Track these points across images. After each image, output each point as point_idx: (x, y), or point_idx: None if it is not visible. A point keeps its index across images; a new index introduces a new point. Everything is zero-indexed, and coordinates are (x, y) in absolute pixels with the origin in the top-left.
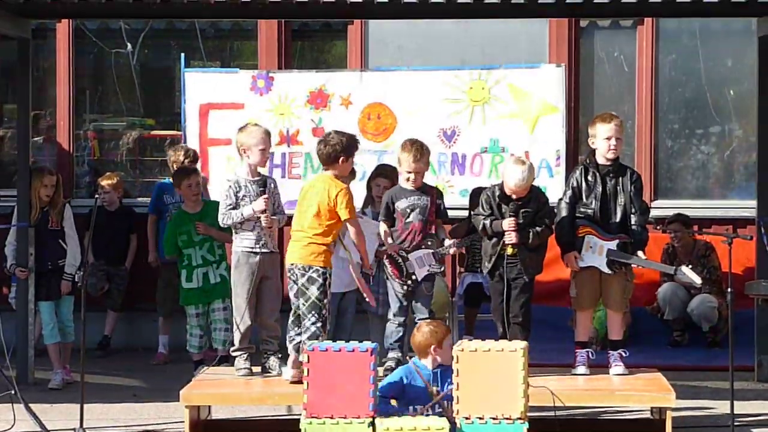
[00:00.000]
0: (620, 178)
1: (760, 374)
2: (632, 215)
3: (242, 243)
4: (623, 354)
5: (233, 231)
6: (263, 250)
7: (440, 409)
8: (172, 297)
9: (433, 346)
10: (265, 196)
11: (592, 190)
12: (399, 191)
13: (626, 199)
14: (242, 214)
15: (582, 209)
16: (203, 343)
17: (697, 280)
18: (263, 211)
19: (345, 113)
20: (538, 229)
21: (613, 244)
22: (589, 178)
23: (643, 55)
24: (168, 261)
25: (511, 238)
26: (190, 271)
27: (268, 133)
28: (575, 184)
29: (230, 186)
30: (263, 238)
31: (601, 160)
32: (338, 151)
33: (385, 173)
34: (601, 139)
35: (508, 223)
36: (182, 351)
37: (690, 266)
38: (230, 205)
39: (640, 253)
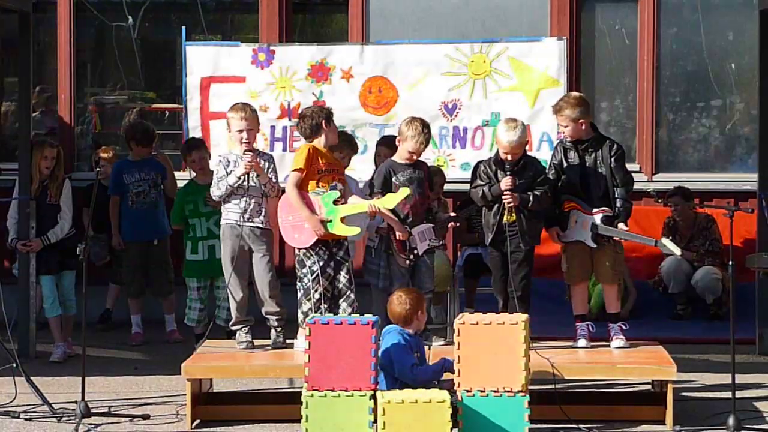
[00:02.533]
0: (599, 152)
1: (761, 347)
2: (614, 188)
3: (227, 216)
4: (623, 327)
5: (222, 204)
6: (247, 224)
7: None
8: (140, 277)
9: (419, 312)
10: (249, 157)
11: (573, 166)
12: (395, 165)
13: (607, 172)
14: (228, 182)
15: (565, 185)
16: (202, 317)
17: (677, 251)
18: (247, 176)
19: (346, 87)
20: (538, 192)
21: (597, 218)
22: (570, 154)
23: (644, 28)
24: (133, 241)
25: (509, 199)
26: (195, 243)
27: (250, 115)
28: (555, 162)
29: (220, 161)
30: (249, 212)
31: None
32: (318, 120)
33: (387, 143)
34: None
35: (505, 183)
36: (181, 324)
37: (690, 240)
38: (220, 178)
39: (621, 225)
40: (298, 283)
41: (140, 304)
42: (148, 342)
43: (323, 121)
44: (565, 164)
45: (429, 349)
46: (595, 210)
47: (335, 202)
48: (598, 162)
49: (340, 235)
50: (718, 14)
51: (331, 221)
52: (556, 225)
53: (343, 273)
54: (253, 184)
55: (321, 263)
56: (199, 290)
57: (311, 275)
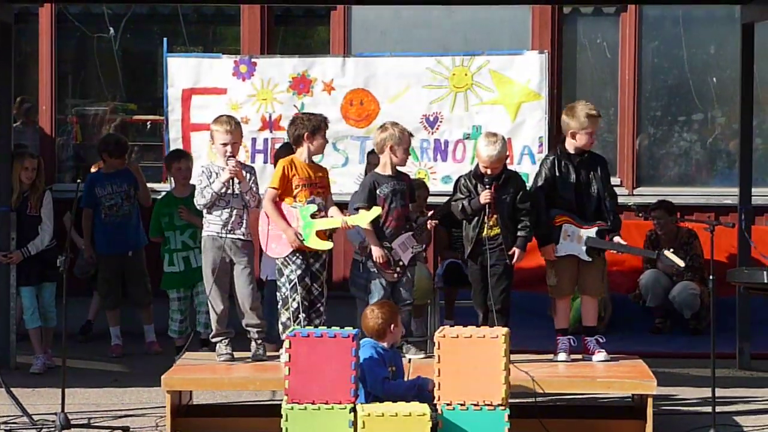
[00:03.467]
0: (591, 166)
1: (741, 361)
2: (606, 201)
3: (209, 227)
4: (600, 340)
5: (204, 214)
6: (229, 235)
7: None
8: (115, 288)
9: (392, 326)
10: (233, 162)
11: (566, 180)
12: (379, 177)
13: (599, 186)
14: (213, 189)
15: (558, 199)
16: (184, 327)
17: (680, 263)
18: (231, 182)
19: (327, 99)
20: (523, 233)
21: (592, 232)
22: (563, 168)
23: (626, 42)
24: (106, 254)
25: (488, 201)
26: (171, 255)
27: (233, 128)
28: (548, 175)
29: (203, 171)
30: (230, 224)
31: (571, 149)
32: (301, 132)
33: (370, 159)
34: (586, 134)
35: (484, 196)
36: (162, 335)
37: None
38: (204, 188)
39: (617, 238)
40: (278, 294)
41: (118, 316)
42: (128, 354)
43: (306, 134)
44: (558, 178)
45: (409, 362)
46: (589, 224)
47: (312, 216)
48: (591, 176)
49: (314, 248)
50: (699, 28)
51: (307, 234)
52: (550, 242)
53: (316, 285)
54: (236, 192)
55: (299, 272)
56: (180, 301)
57: (289, 284)
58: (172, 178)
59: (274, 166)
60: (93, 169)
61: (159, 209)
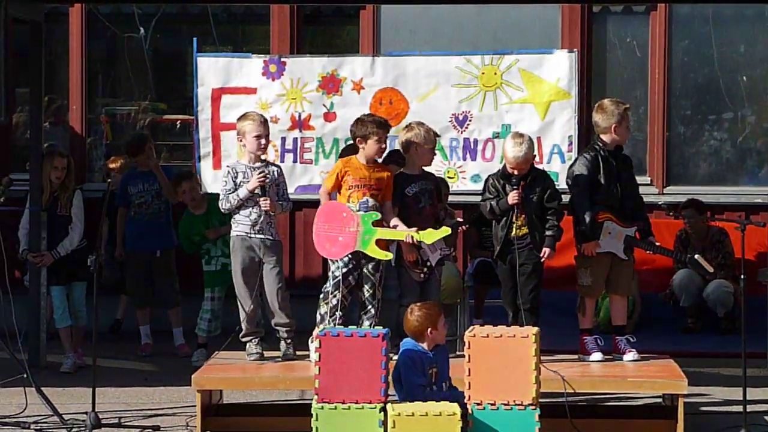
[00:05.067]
0: (625, 164)
1: None
2: (638, 201)
3: (237, 228)
4: (630, 339)
5: (232, 216)
6: (258, 236)
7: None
8: (144, 287)
9: (429, 329)
10: (260, 174)
11: (610, 177)
12: (406, 177)
13: (633, 186)
14: (239, 196)
15: (601, 197)
16: (213, 327)
17: (710, 268)
18: (260, 189)
19: (357, 98)
20: (551, 232)
21: (631, 231)
22: (604, 164)
23: (655, 40)
24: (136, 251)
25: (516, 202)
26: (209, 258)
27: (263, 121)
28: (591, 170)
29: (228, 172)
30: (259, 224)
31: (610, 146)
32: (359, 133)
33: (395, 158)
34: (625, 127)
35: (512, 197)
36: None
37: (704, 252)
38: (229, 190)
39: (651, 238)
40: (324, 286)
41: (147, 315)
42: (158, 353)
43: (358, 138)
44: (603, 173)
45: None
46: (629, 222)
47: (375, 224)
48: (625, 174)
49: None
50: (729, 26)
51: (366, 240)
52: (593, 238)
53: (367, 287)
54: (266, 192)
55: (344, 270)
56: (213, 300)
57: (332, 280)
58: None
59: None
60: (111, 166)
61: (186, 230)
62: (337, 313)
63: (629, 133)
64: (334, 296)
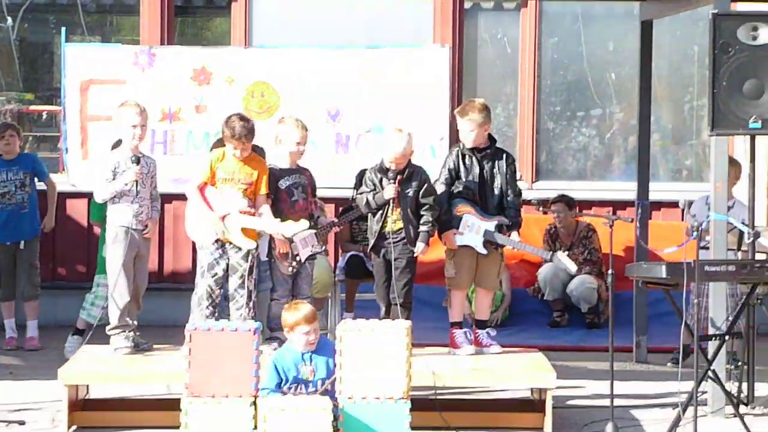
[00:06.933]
0: (496, 161)
1: (638, 355)
2: (508, 197)
3: (119, 218)
4: (490, 333)
5: (109, 204)
6: (139, 227)
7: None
8: (8, 280)
9: (290, 329)
10: (137, 168)
11: (470, 172)
12: (278, 171)
13: (502, 182)
14: (115, 188)
15: (460, 189)
16: (105, 314)
17: (573, 267)
18: (134, 183)
19: (228, 91)
20: (425, 228)
21: (491, 225)
22: (466, 160)
23: (526, 37)
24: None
25: (393, 196)
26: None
27: (142, 111)
28: (452, 166)
29: (107, 162)
30: (141, 216)
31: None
32: (222, 132)
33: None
34: (471, 131)
35: (389, 191)
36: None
37: (570, 248)
38: (108, 179)
39: (515, 234)
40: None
41: (12, 308)
42: (23, 347)
43: (221, 137)
44: (462, 170)
45: None
46: (489, 217)
47: (241, 212)
48: (494, 171)
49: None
50: (599, 24)
51: (230, 228)
52: (451, 227)
53: (235, 277)
54: (141, 190)
55: (210, 260)
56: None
57: (199, 269)
58: None
59: None
60: None
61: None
62: (203, 303)
63: (472, 134)
64: (200, 286)
